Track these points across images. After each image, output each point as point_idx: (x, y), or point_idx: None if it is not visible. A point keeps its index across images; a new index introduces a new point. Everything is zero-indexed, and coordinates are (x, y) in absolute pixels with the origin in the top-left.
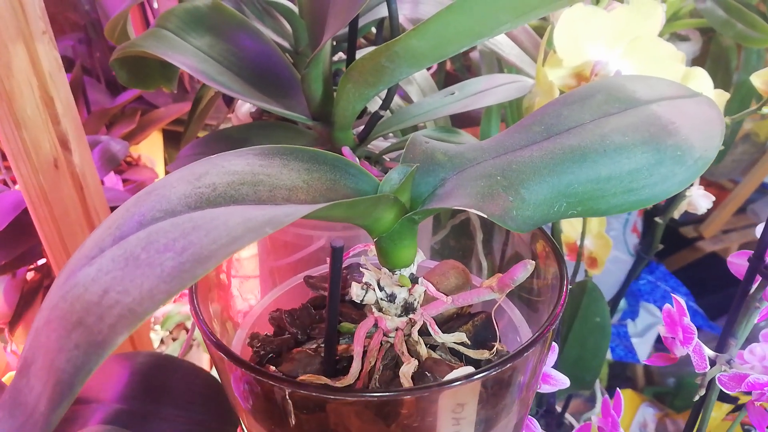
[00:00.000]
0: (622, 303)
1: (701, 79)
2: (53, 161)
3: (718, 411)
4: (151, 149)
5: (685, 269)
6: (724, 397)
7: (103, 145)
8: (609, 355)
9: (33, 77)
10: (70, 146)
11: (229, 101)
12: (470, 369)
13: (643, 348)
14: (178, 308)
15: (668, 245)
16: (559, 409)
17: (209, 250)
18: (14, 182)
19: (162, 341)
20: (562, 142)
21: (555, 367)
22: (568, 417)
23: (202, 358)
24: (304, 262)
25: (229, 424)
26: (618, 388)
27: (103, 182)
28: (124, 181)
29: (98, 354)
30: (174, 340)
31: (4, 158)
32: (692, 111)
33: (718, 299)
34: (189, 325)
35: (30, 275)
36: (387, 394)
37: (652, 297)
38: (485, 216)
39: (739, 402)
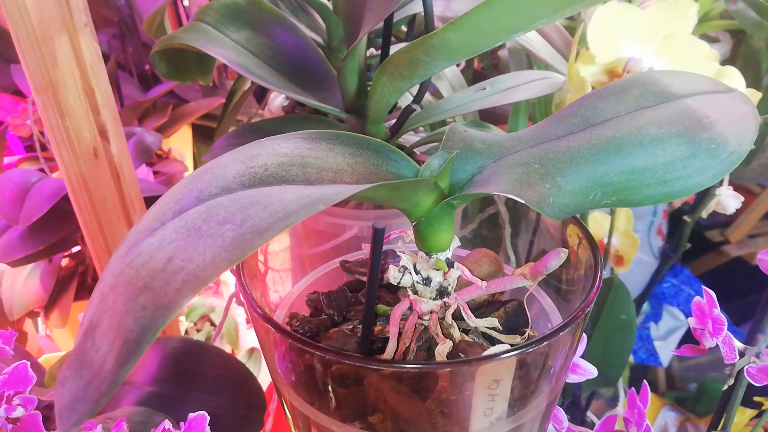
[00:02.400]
0: (645, 306)
1: (734, 78)
2: (93, 150)
3: (742, 416)
4: (180, 143)
5: (710, 273)
6: (747, 402)
7: (137, 136)
8: (631, 358)
9: (76, 68)
10: (109, 136)
11: (261, 97)
12: (507, 346)
13: (665, 351)
14: (203, 300)
15: (694, 248)
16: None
17: (267, 222)
18: (52, 171)
19: (186, 332)
20: (598, 133)
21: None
22: (590, 415)
23: (226, 350)
24: (335, 251)
25: (258, 410)
26: (639, 390)
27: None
28: (155, 173)
29: (165, 315)
30: (198, 331)
31: (43, 148)
32: (727, 106)
33: (742, 304)
34: (213, 317)
35: (65, 262)
36: (427, 365)
37: (676, 300)
38: (523, 201)
39: (763, 408)
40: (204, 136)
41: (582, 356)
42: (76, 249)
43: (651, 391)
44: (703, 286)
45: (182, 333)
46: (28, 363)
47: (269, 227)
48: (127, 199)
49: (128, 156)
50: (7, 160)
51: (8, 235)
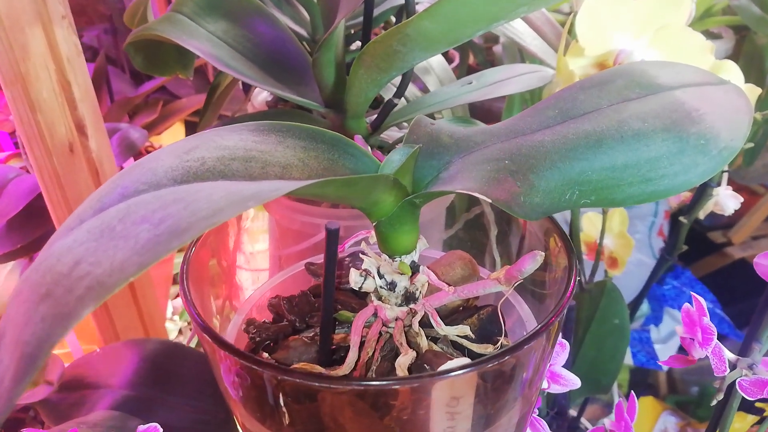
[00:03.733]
0: (646, 308)
1: (731, 73)
2: (69, 145)
3: (743, 422)
4: (172, 139)
5: (713, 275)
6: (749, 408)
7: (122, 132)
8: (630, 361)
9: (50, 61)
10: (87, 131)
11: (247, 90)
12: (466, 360)
13: (665, 354)
14: None
15: (696, 250)
16: (574, 413)
17: (188, 222)
18: None
19: (180, 332)
20: (576, 127)
21: (570, 368)
22: (584, 422)
23: None
24: (311, 251)
25: None
26: (638, 395)
27: (122, 169)
28: None
29: (63, 326)
30: (192, 330)
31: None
32: (719, 98)
33: (745, 307)
34: None
35: None
36: (375, 383)
37: (677, 303)
38: (490, 201)
39: (765, 414)
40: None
41: (573, 361)
42: None
43: (651, 395)
44: (693, 294)
45: (176, 333)
46: None
47: (189, 227)
48: None
49: (110, 152)
50: None
51: None
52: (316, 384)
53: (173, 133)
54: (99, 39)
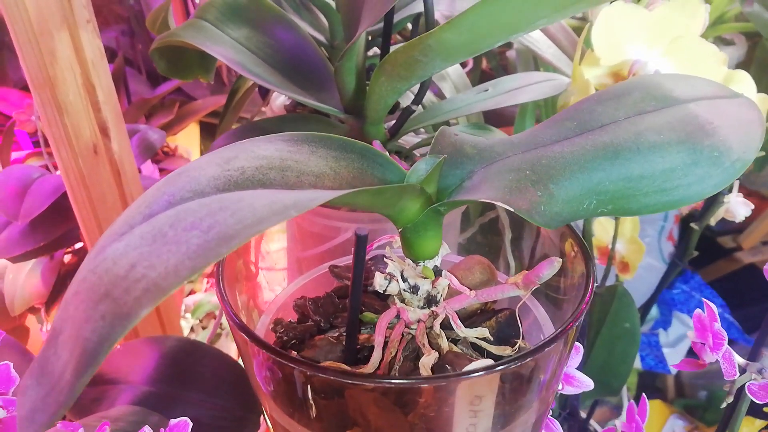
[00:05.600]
0: (655, 312)
1: (744, 83)
2: (93, 147)
3: (751, 427)
4: (188, 140)
5: (722, 280)
6: (757, 413)
7: (141, 133)
8: (639, 365)
9: (76, 64)
10: (110, 133)
11: (264, 94)
12: (490, 361)
13: (674, 358)
14: (209, 297)
15: (705, 255)
16: (584, 415)
17: (234, 229)
18: (56, 168)
19: (192, 329)
20: (594, 139)
21: (581, 370)
22: (593, 424)
23: (230, 348)
24: (330, 253)
25: (254, 412)
26: (648, 399)
27: (140, 170)
28: (161, 170)
29: (123, 325)
30: (204, 328)
31: (47, 144)
32: (732, 112)
33: (754, 312)
34: (218, 314)
35: (67, 258)
36: (404, 381)
37: (686, 307)
38: (512, 210)
39: None
40: (211, 133)
41: (584, 364)
42: (78, 245)
43: (659, 398)
44: (704, 299)
45: (188, 330)
46: (11, 364)
47: (236, 234)
48: (128, 196)
49: (130, 153)
50: (15, 155)
51: (9, 230)
52: (348, 381)
53: (189, 134)
54: (117, 41)
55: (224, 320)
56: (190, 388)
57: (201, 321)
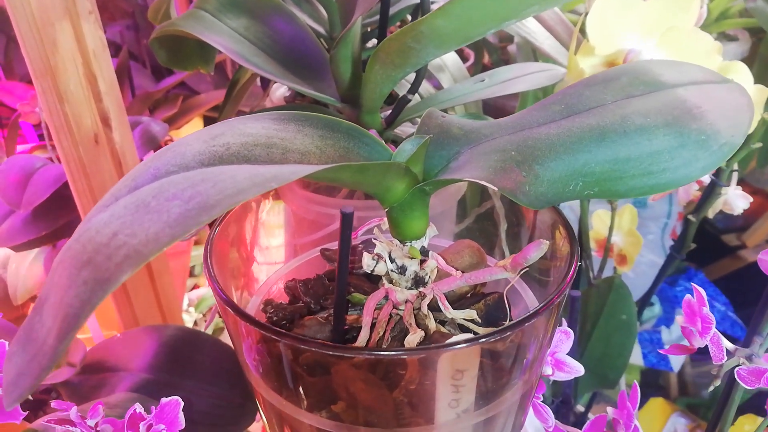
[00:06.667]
0: (657, 309)
1: (740, 74)
2: (94, 136)
3: (753, 424)
4: None
5: (726, 278)
6: (758, 410)
7: (144, 125)
8: (641, 362)
9: (78, 54)
10: (111, 123)
11: (265, 87)
12: (469, 335)
13: (677, 356)
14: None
15: (709, 253)
16: (582, 408)
17: (215, 199)
18: (59, 160)
19: (195, 323)
20: (580, 121)
21: (578, 362)
22: (592, 417)
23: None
24: (325, 240)
25: (253, 400)
26: (649, 396)
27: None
28: None
29: (104, 290)
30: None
31: (51, 136)
32: (721, 96)
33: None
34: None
35: None
36: (386, 353)
37: None
38: (497, 189)
39: None
40: None
41: (579, 357)
42: None
43: (661, 396)
44: (693, 285)
45: (191, 324)
46: (7, 343)
47: (217, 203)
48: None
49: (132, 143)
50: (20, 147)
51: (12, 219)
52: (330, 353)
53: (192, 128)
54: (121, 35)
55: None
56: (189, 376)
57: (204, 315)
